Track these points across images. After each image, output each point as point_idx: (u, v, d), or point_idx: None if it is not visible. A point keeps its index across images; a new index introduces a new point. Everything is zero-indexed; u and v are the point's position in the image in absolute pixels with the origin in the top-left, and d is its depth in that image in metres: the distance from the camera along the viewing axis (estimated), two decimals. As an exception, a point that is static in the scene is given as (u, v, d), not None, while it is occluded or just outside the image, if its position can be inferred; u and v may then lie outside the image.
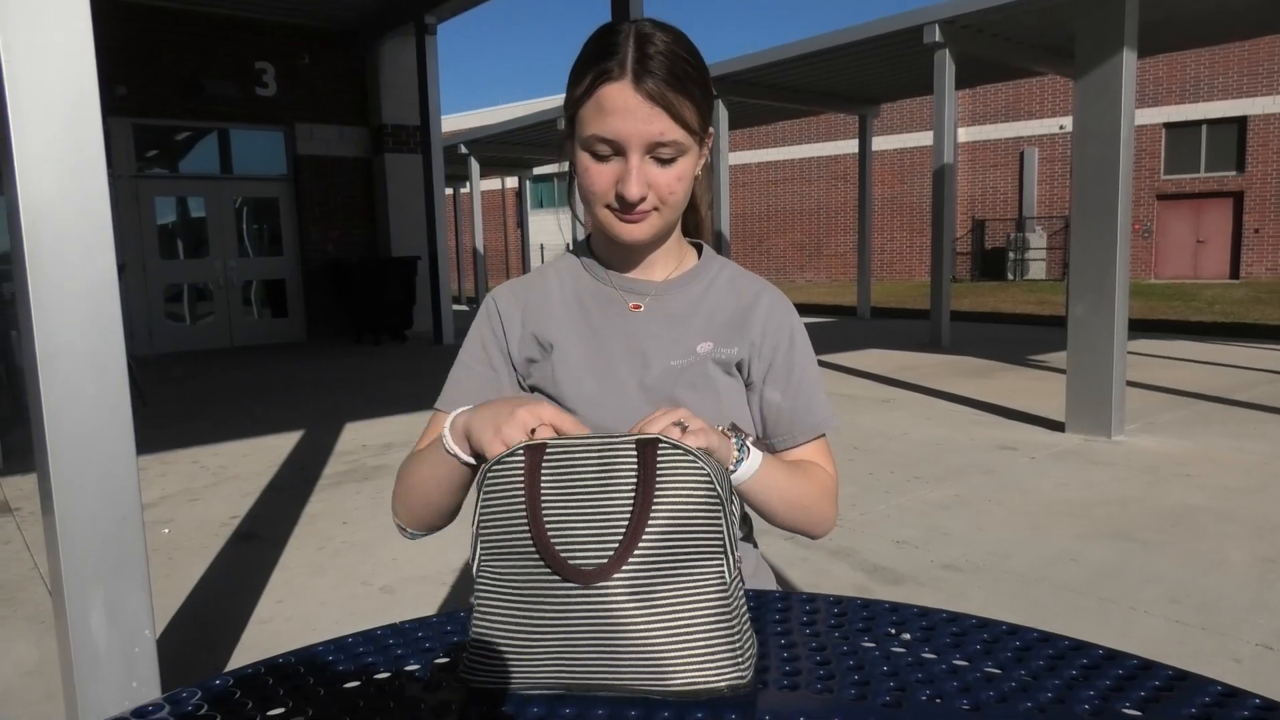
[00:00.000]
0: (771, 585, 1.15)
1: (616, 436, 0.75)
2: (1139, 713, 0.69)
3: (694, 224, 1.16)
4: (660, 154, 0.96)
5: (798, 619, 0.90)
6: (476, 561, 0.76)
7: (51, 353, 1.65)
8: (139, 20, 9.83)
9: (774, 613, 0.92)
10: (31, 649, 2.56)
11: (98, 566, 1.71)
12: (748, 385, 1.10)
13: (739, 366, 1.08)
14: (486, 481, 0.76)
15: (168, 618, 2.73)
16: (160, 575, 3.09)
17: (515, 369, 1.10)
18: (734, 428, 0.97)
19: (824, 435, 1.10)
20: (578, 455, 0.74)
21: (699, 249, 1.15)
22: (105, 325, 1.70)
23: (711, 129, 1.04)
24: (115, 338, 1.71)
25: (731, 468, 0.92)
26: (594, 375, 1.05)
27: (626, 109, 0.93)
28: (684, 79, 0.95)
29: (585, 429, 0.83)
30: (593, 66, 0.95)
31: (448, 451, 0.91)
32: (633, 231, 1.00)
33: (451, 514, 1.03)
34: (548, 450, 0.74)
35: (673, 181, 0.98)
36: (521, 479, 0.74)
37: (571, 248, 1.19)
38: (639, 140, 0.94)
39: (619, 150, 0.96)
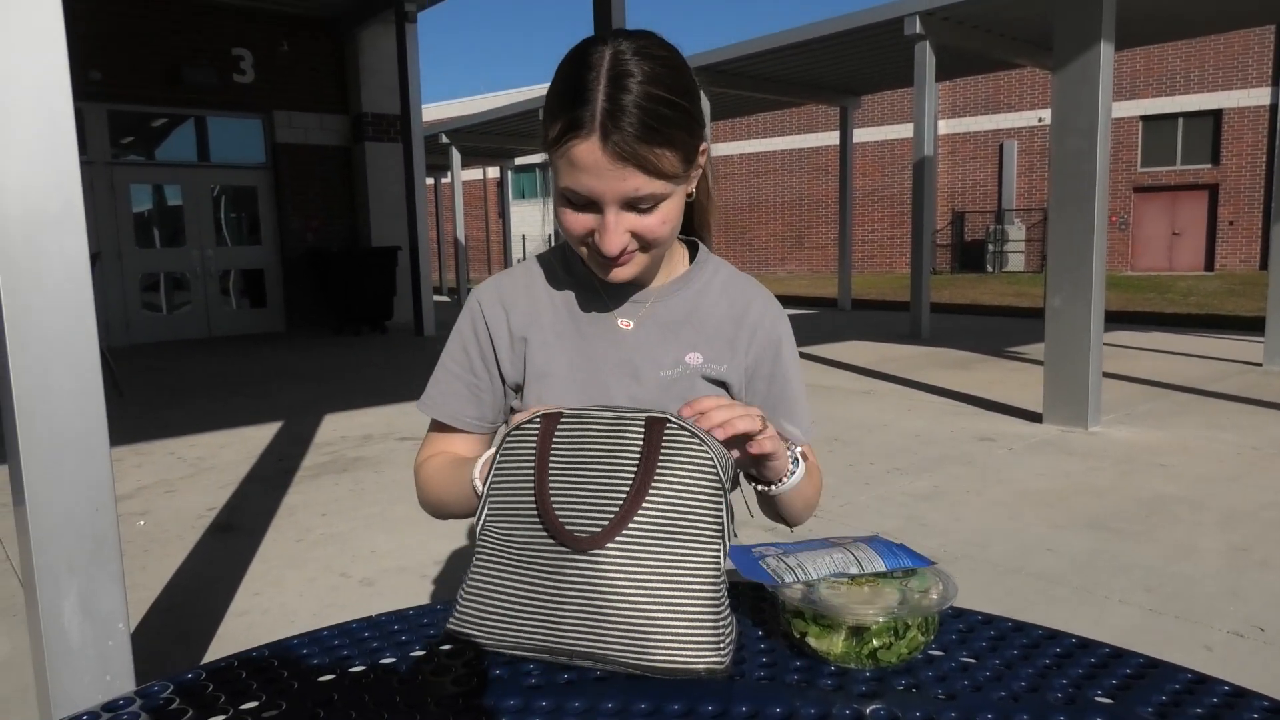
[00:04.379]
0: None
1: (630, 412, 0.79)
2: (1110, 700, 0.70)
3: (692, 221, 1.10)
4: (639, 206, 0.90)
5: (775, 610, 0.90)
6: (481, 521, 0.81)
7: (22, 341, 1.62)
8: (115, 4, 9.68)
9: (752, 602, 0.92)
10: (3, 642, 2.53)
11: (71, 559, 1.69)
12: (733, 396, 1.08)
13: (725, 384, 1.07)
14: (504, 446, 0.81)
15: (143, 611, 2.71)
16: (136, 568, 3.06)
17: (500, 371, 1.07)
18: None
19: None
20: (590, 426, 0.79)
21: (694, 247, 1.11)
22: (78, 313, 1.67)
23: (704, 145, 0.95)
24: (88, 326, 1.69)
25: (784, 479, 0.95)
26: (581, 387, 1.03)
27: (597, 167, 0.86)
28: (661, 127, 0.86)
29: None
30: (563, 114, 0.87)
31: (476, 493, 0.92)
32: (618, 274, 0.96)
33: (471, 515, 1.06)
34: (562, 419, 0.80)
35: (656, 225, 0.91)
36: (534, 445, 0.79)
37: (556, 242, 1.14)
38: (613, 197, 0.88)
39: (594, 204, 0.90)
